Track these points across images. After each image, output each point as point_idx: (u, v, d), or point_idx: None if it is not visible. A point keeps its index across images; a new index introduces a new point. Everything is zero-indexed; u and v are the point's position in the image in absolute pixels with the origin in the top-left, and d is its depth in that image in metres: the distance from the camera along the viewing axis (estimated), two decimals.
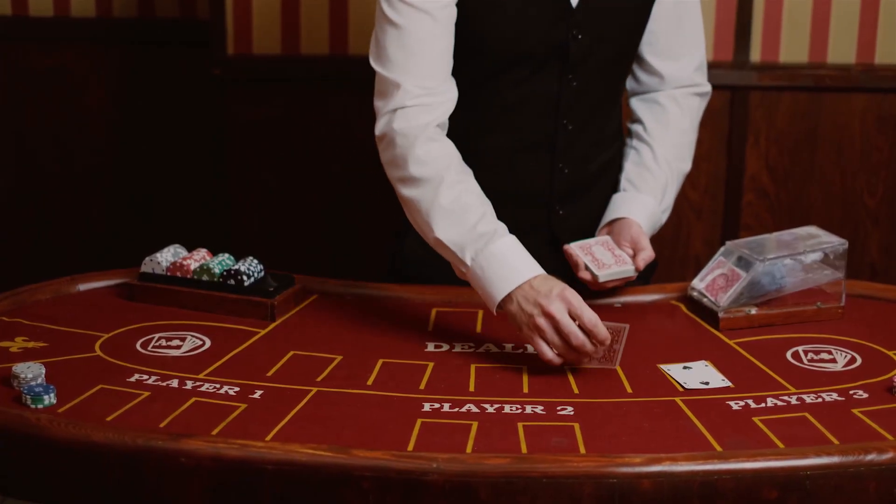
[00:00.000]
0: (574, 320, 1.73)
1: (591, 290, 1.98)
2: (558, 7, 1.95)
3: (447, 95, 1.92)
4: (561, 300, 1.74)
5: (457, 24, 1.95)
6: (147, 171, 3.41)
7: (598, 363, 1.77)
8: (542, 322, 1.73)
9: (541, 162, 2.05)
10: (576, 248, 1.98)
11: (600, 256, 1.96)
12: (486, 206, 1.87)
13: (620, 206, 2.07)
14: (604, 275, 1.94)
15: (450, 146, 1.91)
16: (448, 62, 1.93)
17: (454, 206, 1.84)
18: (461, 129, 1.96)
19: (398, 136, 1.87)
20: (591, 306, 1.89)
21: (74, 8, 3.31)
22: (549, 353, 1.74)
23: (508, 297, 1.78)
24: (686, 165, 2.16)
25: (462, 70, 1.96)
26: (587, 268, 1.95)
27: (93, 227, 3.46)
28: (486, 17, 1.94)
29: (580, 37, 1.97)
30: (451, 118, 1.95)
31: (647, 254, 1.97)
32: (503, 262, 1.80)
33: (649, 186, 2.09)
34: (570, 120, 2.03)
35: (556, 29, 1.95)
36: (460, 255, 1.83)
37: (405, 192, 1.89)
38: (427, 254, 1.92)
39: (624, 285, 2.02)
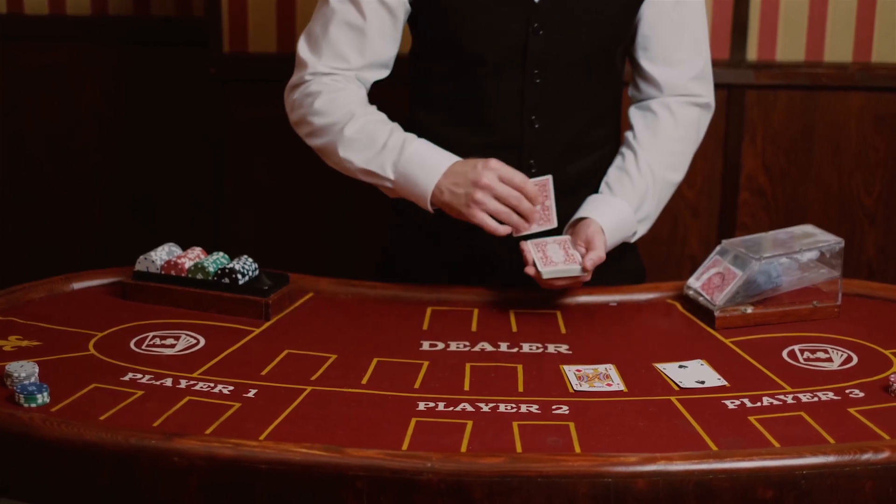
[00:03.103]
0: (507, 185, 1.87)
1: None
2: (519, 0, 1.95)
3: (357, 76, 2.03)
4: (488, 169, 1.86)
5: (419, 18, 1.99)
6: (144, 170, 3.40)
7: (537, 226, 1.92)
8: (479, 195, 1.86)
9: (509, 160, 2.00)
10: (529, 245, 1.94)
11: (551, 254, 1.93)
12: (391, 125, 1.99)
13: (588, 206, 2.02)
14: (546, 272, 1.89)
15: (353, 92, 2.02)
16: (364, 56, 2.02)
17: (361, 134, 1.97)
18: (434, 124, 1.97)
19: (297, 101, 2.04)
20: (587, 305, 1.88)
21: (70, 5, 3.30)
22: (492, 223, 1.87)
23: (437, 188, 1.89)
24: (675, 176, 2.09)
25: (430, 65, 2.00)
26: (534, 264, 1.91)
27: (90, 226, 3.45)
28: (446, 9, 1.96)
29: (541, 32, 1.96)
30: (424, 114, 2.00)
31: (597, 254, 1.91)
32: (422, 162, 1.92)
33: (626, 192, 2.03)
34: (538, 118, 2.02)
35: (515, 22, 1.96)
36: (383, 173, 1.94)
37: (316, 142, 2.02)
38: (410, 248, 1.93)
39: (615, 284, 2.02)
